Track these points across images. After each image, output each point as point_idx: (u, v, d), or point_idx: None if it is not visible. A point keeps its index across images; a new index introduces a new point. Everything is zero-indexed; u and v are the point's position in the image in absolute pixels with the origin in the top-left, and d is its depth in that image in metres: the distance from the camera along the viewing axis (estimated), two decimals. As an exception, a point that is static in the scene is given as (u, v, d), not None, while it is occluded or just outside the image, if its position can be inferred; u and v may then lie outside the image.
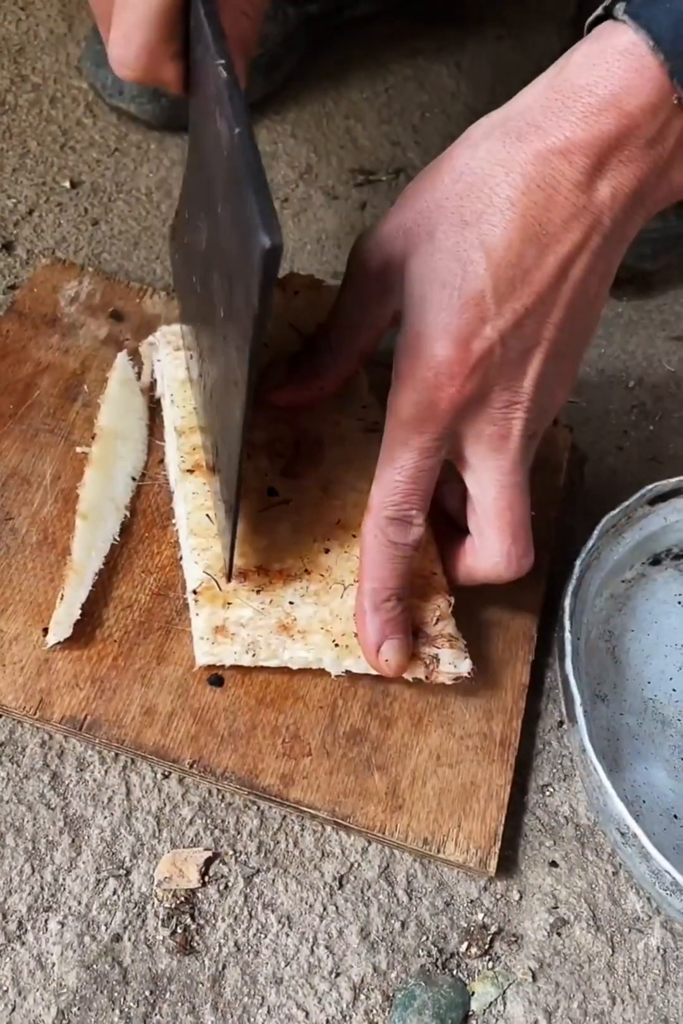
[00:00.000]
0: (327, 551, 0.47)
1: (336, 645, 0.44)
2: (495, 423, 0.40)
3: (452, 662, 0.44)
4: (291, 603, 0.45)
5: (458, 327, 0.37)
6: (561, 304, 0.38)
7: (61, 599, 0.44)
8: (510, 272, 0.37)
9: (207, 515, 0.46)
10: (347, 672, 0.44)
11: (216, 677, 0.45)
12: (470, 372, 0.37)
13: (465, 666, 0.44)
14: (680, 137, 0.36)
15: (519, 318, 0.37)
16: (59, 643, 0.43)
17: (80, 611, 0.44)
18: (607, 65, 0.35)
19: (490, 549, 0.42)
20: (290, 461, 0.49)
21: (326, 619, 0.44)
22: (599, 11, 0.37)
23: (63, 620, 0.44)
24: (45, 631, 0.44)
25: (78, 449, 0.50)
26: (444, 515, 0.46)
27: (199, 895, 0.41)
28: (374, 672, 0.44)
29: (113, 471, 0.49)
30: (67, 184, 0.66)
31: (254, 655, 0.43)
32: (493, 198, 0.37)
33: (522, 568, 0.42)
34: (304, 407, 0.48)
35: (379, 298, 0.42)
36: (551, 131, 0.36)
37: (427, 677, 0.44)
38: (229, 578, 0.44)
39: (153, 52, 0.37)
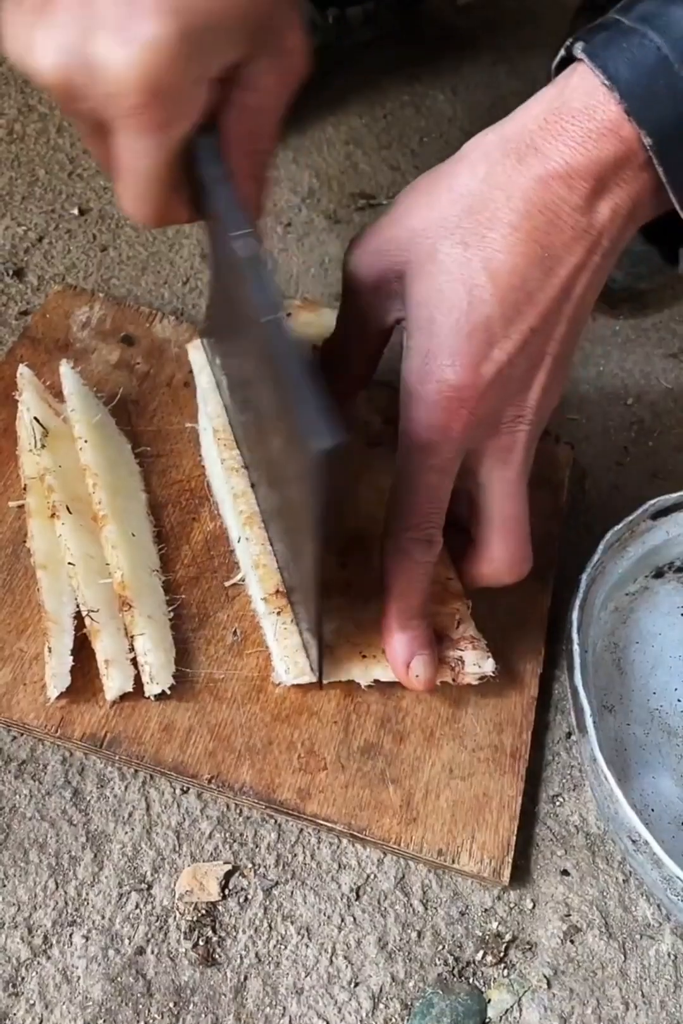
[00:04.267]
0: (344, 566, 0.48)
1: (363, 657, 0.45)
2: (501, 437, 0.41)
3: (476, 662, 0.45)
4: None
5: (467, 352, 0.38)
6: (564, 320, 0.39)
7: (49, 652, 0.44)
8: (515, 295, 0.38)
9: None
10: (376, 681, 0.45)
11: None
12: (481, 395, 0.38)
13: (489, 665, 0.45)
14: None
15: (525, 338, 0.38)
16: (62, 693, 0.43)
17: (71, 657, 0.44)
18: (605, 91, 0.35)
19: (494, 555, 0.44)
20: None
21: (351, 632, 0.45)
22: (562, 53, 0.38)
23: (58, 671, 0.44)
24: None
25: (11, 504, 0.50)
26: (451, 521, 0.47)
27: (220, 908, 0.41)
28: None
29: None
30: (76, 211, 0.68)
31: (287, 671, 0.45)
32: (494, 222, 0.37)
33: (522, 572, 0.44)
34: None
35: (379, 307, 0.43)
36: (551, 155, 0.36)
37: (454, 680, 0.45)
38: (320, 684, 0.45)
39: (163, 207, 0.37)
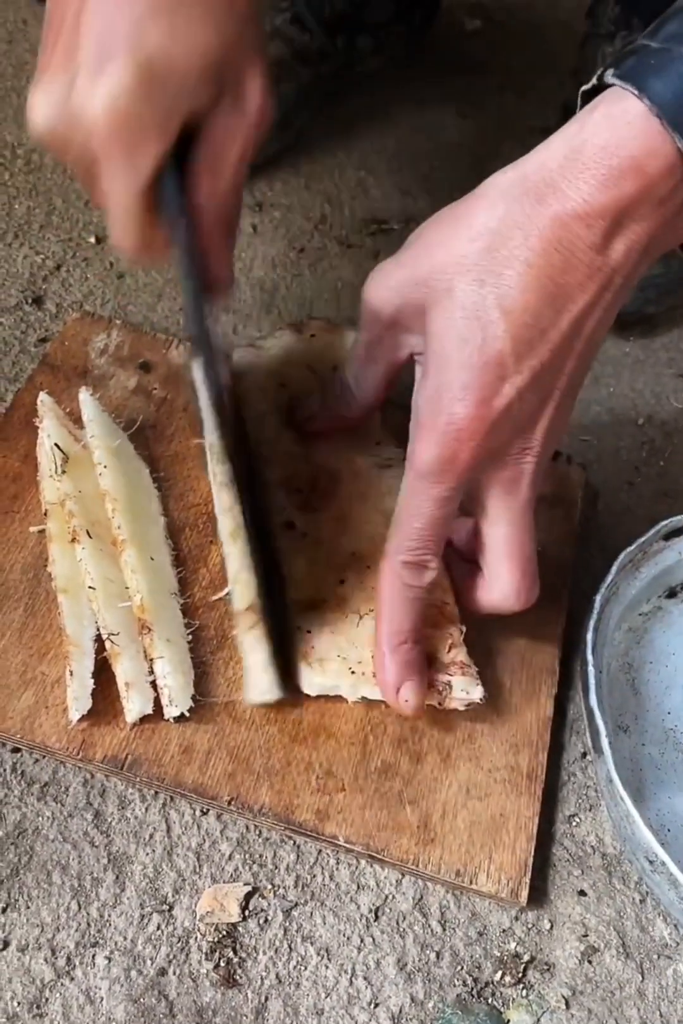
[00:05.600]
0: (342, 582, 0.48)
1: (352, 672, 0.46)
2: (508, 468, 0.42)
3: (464, 689, 0.45)
4: (309, 632, 0.46)
5: (479, 386, 0.39)
6: (574, 356, 0.40)
7: (71, 675, 0.44)
8: (527, 332, 0.38)
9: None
10: (363, 699, 0.46)
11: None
12: (489, 429, 0.39)
13: (477, 692, 0.45)
14: None
15: (536, 374, 0.39)
16: (84, 716, 0.44)
17: (92, 680, 0.45)
18: (629, 126, 0.36)
19: (501, 583, 0.44)
20: (307, 496, 0.51)
21: (343, 647, 0.46)
22: (593, 81, 0.38)
23: (80, 694, 0.44)
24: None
25: (32, 529, 0.50)
26: (453, 547, 0.48)
27: (240, 929, 0.42)
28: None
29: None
30: (92, 239, 0.69)
31: (251, 688, 0.45)
32: (511, 260, 0.38)
33: (529, 600, 0.45)
34: (334, 433, 0.51)
35: (394, 340, 0.44)
36: (570, 194, 0.37)
37: (440, 704, 0.45)
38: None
39: (143, 237, 0.40)
